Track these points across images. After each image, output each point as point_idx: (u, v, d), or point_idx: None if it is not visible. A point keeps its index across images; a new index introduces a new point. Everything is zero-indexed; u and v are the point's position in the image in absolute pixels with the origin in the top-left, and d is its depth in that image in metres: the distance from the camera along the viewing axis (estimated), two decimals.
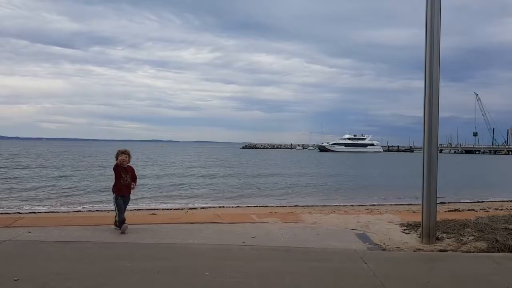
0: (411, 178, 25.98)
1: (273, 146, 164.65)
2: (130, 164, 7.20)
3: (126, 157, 6.97)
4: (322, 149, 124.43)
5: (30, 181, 23.47)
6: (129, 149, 7.20)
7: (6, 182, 22.29)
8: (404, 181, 26.94)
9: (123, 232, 6.65)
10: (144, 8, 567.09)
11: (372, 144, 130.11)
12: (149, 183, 23.45)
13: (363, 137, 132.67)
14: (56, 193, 18.68)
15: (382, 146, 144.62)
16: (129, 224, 6.83)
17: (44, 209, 13.49)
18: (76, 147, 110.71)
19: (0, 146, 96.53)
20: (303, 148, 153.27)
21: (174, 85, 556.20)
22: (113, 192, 6.94)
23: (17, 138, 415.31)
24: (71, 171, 31.40)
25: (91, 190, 19.88)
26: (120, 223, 6.81)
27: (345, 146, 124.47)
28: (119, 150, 7.05)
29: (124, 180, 6.89)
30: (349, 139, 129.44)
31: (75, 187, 20.97)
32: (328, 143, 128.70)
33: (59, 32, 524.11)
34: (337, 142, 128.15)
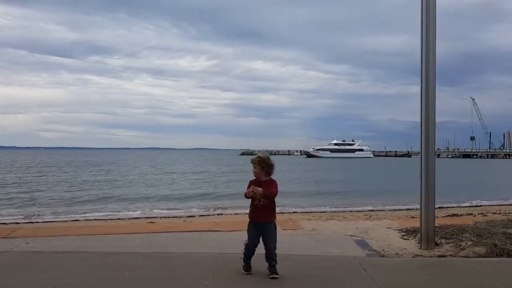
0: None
1: (271, 153, 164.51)
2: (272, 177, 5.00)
3: (256, 169, 4.93)
4: (308, 154, 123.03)
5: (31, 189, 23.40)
6: (265, 154, 5.09)
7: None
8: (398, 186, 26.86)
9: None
10: (141, 18, 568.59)
11: (362, 150, 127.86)
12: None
13: (352, 142, 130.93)
14: (55, 201, 18.61)
15: (379, 152, 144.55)
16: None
17: (42, 219, 13.42)
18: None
19: (5, 156, 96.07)
20: (300, 154, 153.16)
21: (172, 93, 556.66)
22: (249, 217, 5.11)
23: (15, 147, 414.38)
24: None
25: (89, 198, 19.84)
26: (245, 260, 5.07)
27: (331, 151, 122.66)
28: (253, 158, 5.04)
29: (257, 200, 4.92)
30: (335, 144, 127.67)
31: (74, 197, 20.88)
32: (313, 148, 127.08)
33: (58, 41, 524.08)
34: (322, 147, 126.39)
